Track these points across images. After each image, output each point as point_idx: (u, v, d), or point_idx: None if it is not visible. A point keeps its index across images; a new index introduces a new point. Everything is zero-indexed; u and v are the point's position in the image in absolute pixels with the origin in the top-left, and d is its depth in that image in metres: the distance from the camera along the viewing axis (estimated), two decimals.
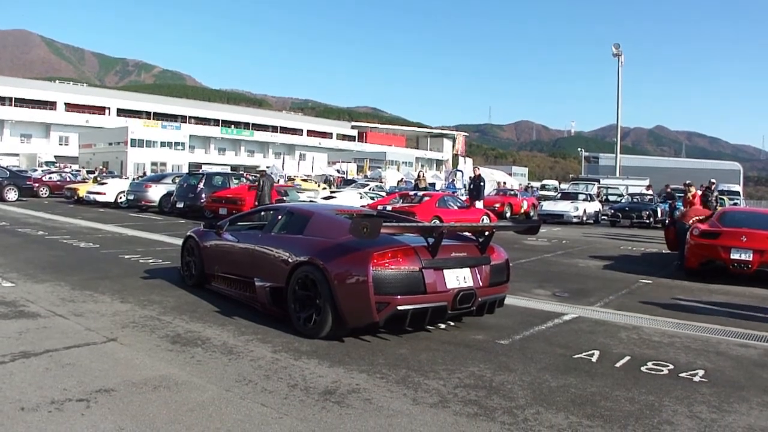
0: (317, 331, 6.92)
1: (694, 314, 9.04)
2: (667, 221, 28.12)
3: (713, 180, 26.35)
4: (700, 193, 20.55)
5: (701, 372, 6.06)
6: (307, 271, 7.14)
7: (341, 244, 7.08)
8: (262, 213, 10.23)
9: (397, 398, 5.02)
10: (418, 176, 33.81)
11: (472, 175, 26.71)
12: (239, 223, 10.08)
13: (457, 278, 7.00)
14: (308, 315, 7.10)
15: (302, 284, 7.22)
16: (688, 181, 21.03)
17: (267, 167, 23.00)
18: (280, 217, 8.76)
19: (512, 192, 36.32)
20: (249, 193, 21.71)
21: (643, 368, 6.12)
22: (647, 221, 28.53)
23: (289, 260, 7.51)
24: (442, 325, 7.67)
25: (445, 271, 6.91)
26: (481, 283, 7.24)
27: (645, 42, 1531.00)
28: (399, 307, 6.52)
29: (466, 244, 7.52)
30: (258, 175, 22.00)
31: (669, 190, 31.61)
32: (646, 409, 4.98)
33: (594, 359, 6.41)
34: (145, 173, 51.56)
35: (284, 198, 22.43)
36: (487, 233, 7.72)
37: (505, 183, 46.84)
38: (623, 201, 34.80)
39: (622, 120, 65.10)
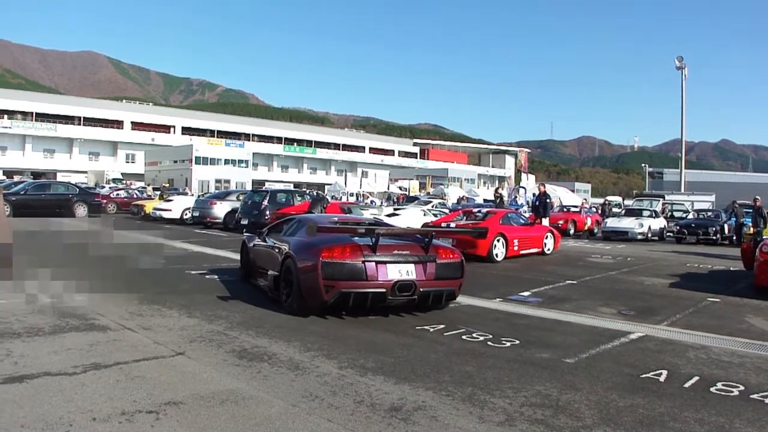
0: (292, 307, 8.91)
1: (765, 333, 8.82)
2: (734, 238, 27.62)
3: None
4: None
5: None
6: (288, 262, 9.17)
7: (309, 241, 9.02)
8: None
9: (463, 416, 4.99)
10: (497, 190, 33.49)
11: (537, 192, 26.48)
12: (276, 229, 11.67)
13: (399, 271, 8.57)
14: (288, 295, 9.08)
15: (285, 271, 9.24)
16: None
17: (317, 192, 24.58)
18: (294, 224, 10.78)
19: (576, 209, 35.96)
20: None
21: (712, 389, 5.96)
22: (714, 238, 27.89)
23: (282, 253, 9.60)
24: (507, 343, 7.62)
25: (388, 265, 8.53)
26: (424, 277, 8.72)
27: (709, 54, 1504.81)
28: (342, 290, 8.33)
29: (412, 244, 9.08)
30: (316, 194, 23.39)
31: (736, 206, 30.86)
32: (716, 431, 4.86)
33: (662, 379, 6.28)
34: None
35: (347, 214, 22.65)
36: (429, 236, 9.25)
37: (558, 200, 45.52)
38: (689, 217, 34.11)
39: (686, 134, 63.94)
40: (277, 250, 10.07)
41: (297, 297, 8.79)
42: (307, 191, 27.50)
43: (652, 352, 7.45)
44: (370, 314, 9.04)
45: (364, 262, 8.42)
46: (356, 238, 8.92)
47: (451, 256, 9.27)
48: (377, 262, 8.47)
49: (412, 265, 8.70)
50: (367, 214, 23.41)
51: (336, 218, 11.99)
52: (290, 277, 9.02)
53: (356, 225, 9.98)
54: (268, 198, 26.23)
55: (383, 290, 8.40)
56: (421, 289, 8.64)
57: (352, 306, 8.61)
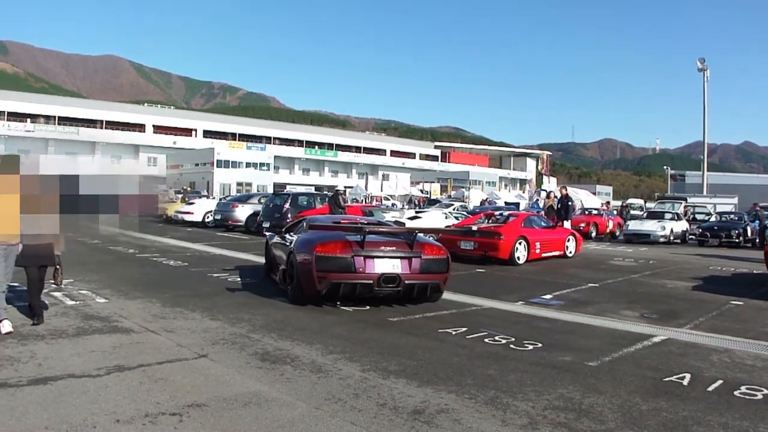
0: (293, 295, 9.99)
1: None
2: (756, 240, 27.35)
3: None
4: None
5: None
6: (291, 256, 10.17)
7: (307, 238, 10.04)
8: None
9: (486, 419, 4.97)
10: (548, 196, 33.06)
11: (559, 195, 26.31)
12: (293, 229, 12.43)
13: (385, 265, 9.49)
14: (291, 285, 10.10)
15: (289, 265, 10.24)
16: None
17: (338, 188, 24.60)
18: (303, 223, 11.62)
19: (597, 212, 35.71)
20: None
21: (736, 392, 5.90)
22: (737, 241, 27.58)
23: (288, 249, 10.58)
24: (529, 346, 7.60)
25: (375, 259, 9.49)
26: (409, 271, 9.60)
27: (732, 56, 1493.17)
28: (333, 281, 9.35)
29: (398, 241, 9.96)
30: (334, 193, 23.69)
31: (758, 208, 30.53)
32: None
33: (685, 382, 6.23)
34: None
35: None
36: (413, 234, 10.20)
37: (579, 203, 44.67)
38: (711, 220, 33.77)
39: (708, 136, 63.17)
40: (285, 247, 11.10)
41: (296, 287, 9.85)
42: (328, 194, 27.52)
43: (675, 356, 7.40)
44: (389, 308, 9.09)
45: (353, 256, 9.42)
46: (348, 235, 9.83)
47: (436, 252, 10.09)
48: (365, 257, 9.46)
49: (398, 260, 9.64)
50: (389, 217, 23.40)
51: (341, 219, 12.55)
52: (292, 269, 10.05)
53: (350, 224, 10.87)
54: (289, 201, 26.26)
55: (370, 281, 9.39)
56: (406, 282, 9.56)
57: (342, 295, 9.64)
